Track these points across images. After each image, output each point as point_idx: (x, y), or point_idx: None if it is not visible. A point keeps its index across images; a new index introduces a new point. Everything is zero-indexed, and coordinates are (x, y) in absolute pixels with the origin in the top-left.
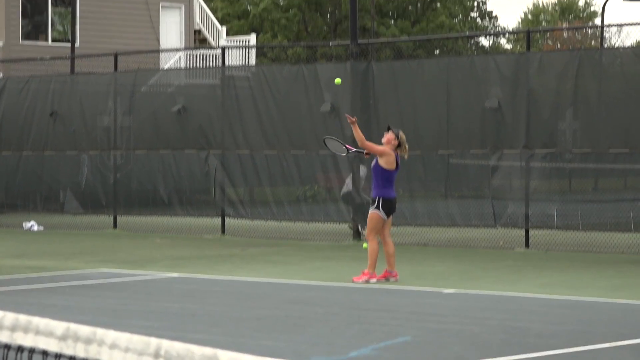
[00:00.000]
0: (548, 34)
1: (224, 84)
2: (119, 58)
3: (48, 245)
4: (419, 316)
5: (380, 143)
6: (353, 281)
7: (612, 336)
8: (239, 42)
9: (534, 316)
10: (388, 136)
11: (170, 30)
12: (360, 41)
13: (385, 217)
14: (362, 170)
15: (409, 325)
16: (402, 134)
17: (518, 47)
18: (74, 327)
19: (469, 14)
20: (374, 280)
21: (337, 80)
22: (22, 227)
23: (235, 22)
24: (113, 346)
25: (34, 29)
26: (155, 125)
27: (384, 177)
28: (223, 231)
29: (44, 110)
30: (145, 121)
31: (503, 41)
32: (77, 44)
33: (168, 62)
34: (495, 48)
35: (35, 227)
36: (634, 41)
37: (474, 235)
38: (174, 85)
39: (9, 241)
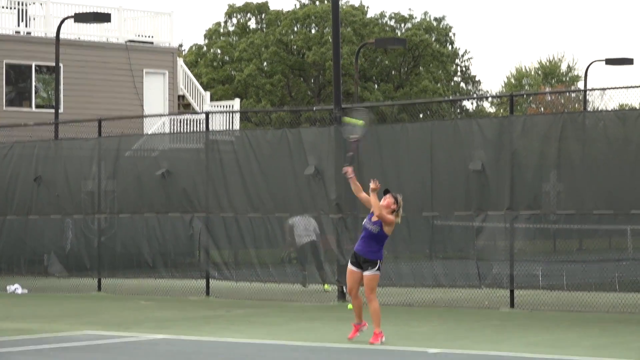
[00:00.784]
0: (531, 97)
1: (208, 148)
2: (103, 123)
3: (32, 308)
4: None
5: None
6: (370, 343)
7: None
8: (223, 107)
9: None
10: (388, 200)
11: (155, 95)
12: (344, 105)
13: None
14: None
15: None
16: (400, 199)
17: (502, 111)
18: None
19: (452, 78)
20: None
21: (358, 122)
22: (6, 290)
23: (220, 87)
24: None
25: (18, 96)
26: (140, 189)
27: (383, 241)
28: (208, 293)
29: (28, 175)
30: (129, 185)
31: (486, 105)
32: (61, 110)
33: (152, 127)
34: (479, 112)
35: (20, 290)
36: (617, 104)
37: (459, 295)
38: (158, 149)
39: None
